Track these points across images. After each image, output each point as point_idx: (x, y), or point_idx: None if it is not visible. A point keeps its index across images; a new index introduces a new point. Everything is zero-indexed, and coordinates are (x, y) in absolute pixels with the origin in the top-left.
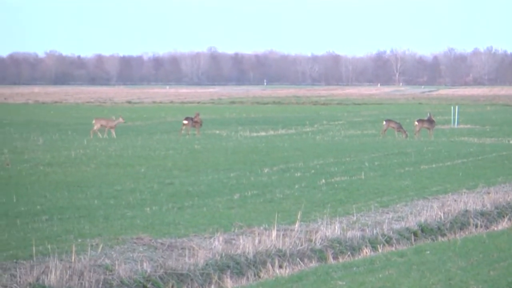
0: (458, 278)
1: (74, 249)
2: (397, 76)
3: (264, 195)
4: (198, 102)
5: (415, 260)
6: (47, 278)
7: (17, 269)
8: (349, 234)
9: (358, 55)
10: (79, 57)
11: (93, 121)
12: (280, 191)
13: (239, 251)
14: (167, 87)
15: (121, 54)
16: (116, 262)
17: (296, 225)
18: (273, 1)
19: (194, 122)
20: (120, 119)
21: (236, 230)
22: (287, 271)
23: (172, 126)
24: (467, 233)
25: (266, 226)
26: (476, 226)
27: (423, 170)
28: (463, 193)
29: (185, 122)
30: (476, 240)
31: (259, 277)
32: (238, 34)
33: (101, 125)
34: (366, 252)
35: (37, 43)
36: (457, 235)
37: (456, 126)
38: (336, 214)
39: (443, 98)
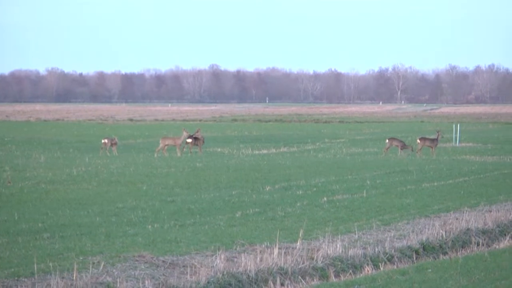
0: None
1: (75, 266)
2: (399, 94)
3: (265, 213)
4: (200, 120)
5: (417, 278)
6: None
7: (19, 287)
8: (351, 252)
9: (360, 72)
10: (80, 74)
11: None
12: (281, 209)
13: (240, 269)
14: (169, 104)
15: (123, 72)
16: (118, 280)
17: (298, 243)
18: (274, 18)
19: (195, 138)
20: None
21: (237, 248)
22: None
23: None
24: (468, 251)
25: (268, 244)
26: (478, 245)
27: (424, 188)
28: (465, 211)
29: (189, 140)
30: (478, 259)
31: None
32: (240, 51)
33: (167, 145)
34: (368, 270)
35: (38, 60)
36: (458, 253)
37: (457, 144)
38: (337, 232)
39: (445, 116)
